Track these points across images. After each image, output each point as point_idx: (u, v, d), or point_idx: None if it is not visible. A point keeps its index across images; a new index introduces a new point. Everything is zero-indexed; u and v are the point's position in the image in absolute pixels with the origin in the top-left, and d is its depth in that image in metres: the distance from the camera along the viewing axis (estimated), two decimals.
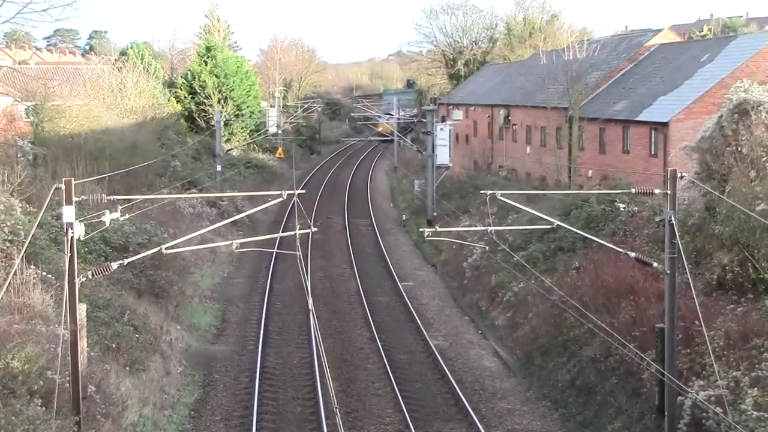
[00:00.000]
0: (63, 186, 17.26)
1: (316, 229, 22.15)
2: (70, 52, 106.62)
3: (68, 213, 17.17)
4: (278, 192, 19.91)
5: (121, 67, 60.77)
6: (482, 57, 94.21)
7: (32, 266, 23.31)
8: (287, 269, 42.03)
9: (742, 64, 39.15)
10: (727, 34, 67.48)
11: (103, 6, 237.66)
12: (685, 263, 19.24)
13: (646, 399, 21.31)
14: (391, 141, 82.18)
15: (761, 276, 21.97)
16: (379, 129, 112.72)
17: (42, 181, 31.91)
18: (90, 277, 19.05)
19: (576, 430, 23.17)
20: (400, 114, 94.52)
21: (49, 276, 23.96)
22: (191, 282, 36.34)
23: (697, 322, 19.13)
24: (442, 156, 55.95)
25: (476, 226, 36.80)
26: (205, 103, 73.62)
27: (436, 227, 24.25)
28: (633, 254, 20.11)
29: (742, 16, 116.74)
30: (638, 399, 21.85)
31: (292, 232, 20.87)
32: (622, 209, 29.86)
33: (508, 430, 23.59)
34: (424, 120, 56.45)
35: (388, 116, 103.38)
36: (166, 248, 19.88)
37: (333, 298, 37.67)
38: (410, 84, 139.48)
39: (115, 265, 19.07)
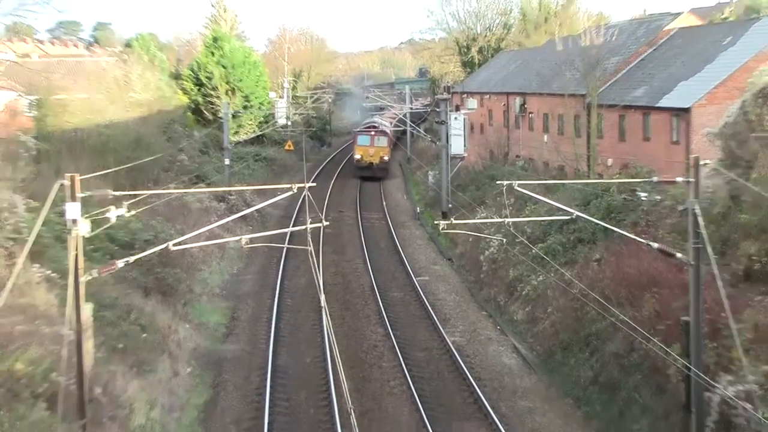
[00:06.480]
0: (67, 182, 17.01)
1: (327, 223, 21.65)
2: (73, 45, 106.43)
3: (72, 210, 16.97)
4: (288, 185, 19.53)
5: (125, 59, 60.45)
6: (496, 44, 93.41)
7: (36, 265, 23.17)
8: (299, 265, 41.67)
9: (766, 47, 38.34)
10: (749, 16, 66.37)
11: None
12: (711, 253, 18.65)
13: (672, 395, 20.91)
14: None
15: None
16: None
17: (45, 177, 31.51)
18: (95, 275, 18.74)
19: (600, 429, 22.95)
20: (413, 104, 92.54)
21: (54, 275, 23.71)
22: (199, 279, 36.31)
23: (723, 315, 18.70)
24: (457, 146, 55.41)
25: (493, 218, 36.28)
26: (212, 95, 73.20)
27: (452, 219, 23.80)
28: (656, 245, 19.72)
29: None
30: (664, 395, 21.51)
31: (303, 227, 20.69)
32: (643, 198, 29.34)
33: (530, 429, 23.39)
34: (438, 109, 55.70)
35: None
36: (173, 245, 19.56)
37: (346, 294, 37.33)
38: (423, 72, 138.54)
39: (121, 263, 18.73)
